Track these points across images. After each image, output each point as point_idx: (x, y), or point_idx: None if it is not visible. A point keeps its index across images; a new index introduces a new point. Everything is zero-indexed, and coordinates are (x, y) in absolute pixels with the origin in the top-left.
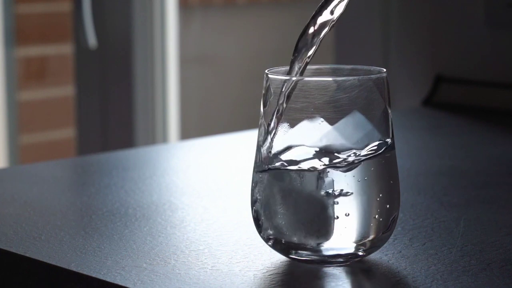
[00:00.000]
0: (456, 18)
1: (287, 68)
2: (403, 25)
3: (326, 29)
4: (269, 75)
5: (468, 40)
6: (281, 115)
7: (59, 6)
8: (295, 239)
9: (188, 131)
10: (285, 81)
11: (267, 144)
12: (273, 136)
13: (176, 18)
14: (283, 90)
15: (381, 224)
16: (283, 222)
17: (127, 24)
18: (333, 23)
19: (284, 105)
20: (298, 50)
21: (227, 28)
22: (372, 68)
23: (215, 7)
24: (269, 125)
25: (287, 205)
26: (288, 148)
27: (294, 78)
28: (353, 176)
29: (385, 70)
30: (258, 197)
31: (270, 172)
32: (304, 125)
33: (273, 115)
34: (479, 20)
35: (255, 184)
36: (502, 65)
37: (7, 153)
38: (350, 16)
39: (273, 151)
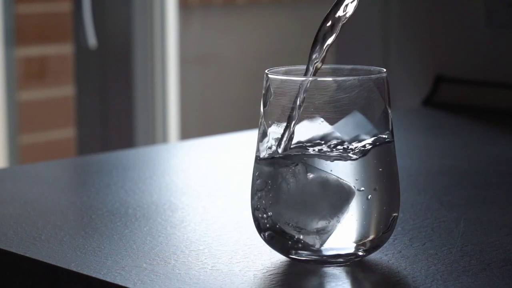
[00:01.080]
0: (456, 18)
1: (288, 68)
2: (403, 25)
3: (336, 30)
4: (269, 75)
5: (468, 40)
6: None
7: (59, 6)
8: (315, 223)
9: (188, 131)
10: (301, 82)
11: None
12: (290, 132)
13: (176, 18)
14: (304, 87)
15: (381, 224)
16: (302, 211)
17: (127, 24)
18: (344, 21)
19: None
20: (313, 51)
21: (227, 28)
22: (372, 68)
23: (215, 7)
24: (290, 119)
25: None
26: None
27: (294, 78)
28: (353, 176)
29: (385, 70)
30: (264, 194)
31: (277, 163)
32: (304, 125)
33: (293, 111)
34: (479, 20)
35: (257, 179)
36: (502, 65)
37: (7, 153)
38: (350, 16)
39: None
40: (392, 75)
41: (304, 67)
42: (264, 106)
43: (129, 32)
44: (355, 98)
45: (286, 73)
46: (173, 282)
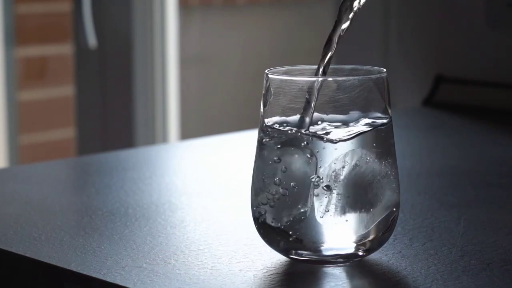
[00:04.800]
0: (456, 18)
1: (288, 68)
2: (403, 25)
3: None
4: (269, 75)
5: (468, 40)
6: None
7: (59, 6)
8: None
9: (188, 131)
10: (312, 82)
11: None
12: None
13: (176, 18)
14: (315, 87)
15: (381, 224)
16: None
17: (127, 24)
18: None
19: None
20: (324, 52)
21: (227, 28)
22: (372, 68)
23: (215, 7)
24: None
25: None
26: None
27: (294, 78)
28: (354, 177)
29: (385, 70)
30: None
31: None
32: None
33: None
34: (479, 20)
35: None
36: (502, 65)
37: (7, 153)
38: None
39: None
40: (392, 75)
41: (304, 67)
42: (264, 106)
43: (129, 32)
44: (355, 98)
45: (286, 73)
46: (173, 282)
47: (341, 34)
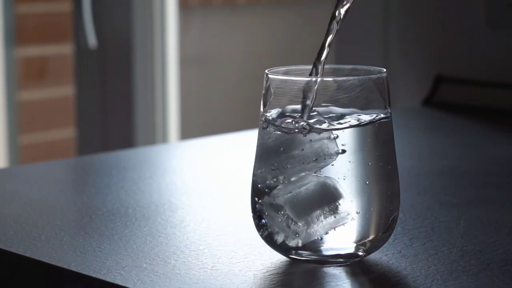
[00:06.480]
0: (456, 18)
1: (288, 68)
2: (403, 25)
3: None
4: (269, 75)
5: (468, 40)
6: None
7: (59, 6)
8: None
9: (188, 131)
10: (307, 81)
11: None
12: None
13: (176, 18)
14: (314, 88)
15: (381, 224)
16: None
17: (127, 24)
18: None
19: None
20: (320, 53)
21: (227, 28)
22: (372, 68)
23: (215, 7)
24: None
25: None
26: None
27: (294, 78)
28: (354, 174)
29: (385, 70)
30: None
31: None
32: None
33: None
34: (479, 20)
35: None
36: (502, 65)
37: (7, 153)
38: (351, 16)
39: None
40: (392, 75)
41: (304, 67)
42: (264, 106)
43: (129, 32)
44: (355, 98)
45: (286, 73)
46: (173, 282)
47: (342, 17)
